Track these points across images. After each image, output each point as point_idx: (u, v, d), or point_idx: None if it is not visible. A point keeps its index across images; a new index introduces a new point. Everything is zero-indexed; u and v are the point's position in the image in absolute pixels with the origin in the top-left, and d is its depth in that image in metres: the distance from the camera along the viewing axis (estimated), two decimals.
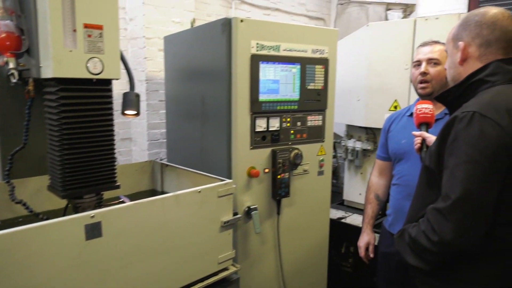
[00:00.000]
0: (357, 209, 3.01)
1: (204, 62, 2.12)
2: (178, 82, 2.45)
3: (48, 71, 1.31)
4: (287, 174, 2.08)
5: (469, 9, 5.84)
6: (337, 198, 3.31)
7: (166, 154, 2.89)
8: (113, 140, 1.51)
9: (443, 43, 1.83)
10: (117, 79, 1.45)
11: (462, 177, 1.02)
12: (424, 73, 1.77)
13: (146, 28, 2.97)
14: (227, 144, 1.99)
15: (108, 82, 1.45)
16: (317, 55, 2.17)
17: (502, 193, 1.04)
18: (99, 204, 1.53)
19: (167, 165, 2.09)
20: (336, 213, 2.98)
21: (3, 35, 1.36)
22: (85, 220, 1.23)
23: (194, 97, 2.22)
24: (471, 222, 1.03)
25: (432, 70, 1.77)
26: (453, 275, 1.14)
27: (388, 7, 3.53)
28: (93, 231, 1.25)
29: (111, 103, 1.49)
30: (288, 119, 2.10)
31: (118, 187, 1.55)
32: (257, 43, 1.92)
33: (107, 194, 1.58)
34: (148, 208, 1.41)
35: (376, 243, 2.12)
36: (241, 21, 1.86)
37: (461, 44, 1.23)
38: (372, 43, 2.70)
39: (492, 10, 1.19)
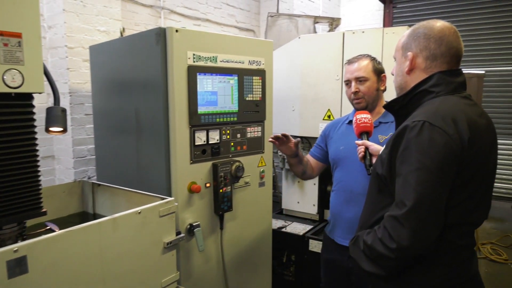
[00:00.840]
0: (296, 218, 3.05)
1: (136, 73, 2.01)
2: (107, 94, 2.29)
3: None
4: (229, 187, 2.04)
5: (385, 25, 6.37)
6: (276, 208, 3.33)
7: (96, 172, 2.68)
8: (37, 161, 1.35)
9: (368, 56, 1.93)
10: (40, 92, 1.30)
11: (415, 184, 1.06)
12: (355, 92, 1.85)
13: (68, 36, 2.75)
14: (166, 159, 1.89)
15: (29, 96, 1.30)
16: (254, 66, 2.16)
17: (450, 197, 1.10)
18: (22, 234, 1.35)
19: (99, 184, 1.93)
20: (276, 223, 2.99)
21: None
22: (6, 255, 1.07)
23: (126, 111, 2.09)
24: (426, 227, 1.07)
25: (362, 87, 1.86)
26: (407, 278, 1.18)
27: (316, 20, 3.68)
28: (17, 267, 1.08)
29: (33, 120, 1.33)
30: (228, 131, 2.07)
31: (44, 213, 1.38)
32: (194, 54, 1.87)
33: (30, 222, 1.40)
34: (82, 235, 1.27)
35: (319, 250, 2.14)
36: (176, 31, 1.79)
37: (409, 54, 1.27)
38: (304, 55, 2.78)
39: (439, 24, 1.24)
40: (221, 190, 2.00)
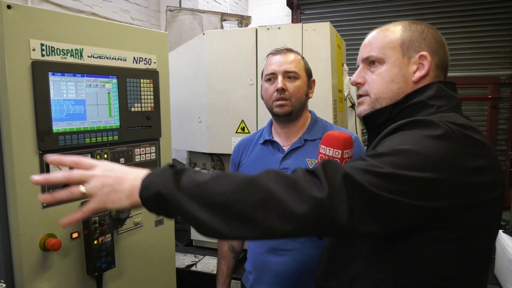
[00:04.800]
0: (209, 249, 2.53)
1: None
2: None
3: None
4: (108, 236, 1.43)
5: (293, 21, 6.23)
6: (182, 237, 2.76)
7: None
8: None
9: (297, 52, 1.51)
10: None
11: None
12: (282, 89, 1.40)
13: None
14: (0, 203, 1.23)
15: None
16: (141, 66, 1.60)
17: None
18: None
19: None
20: (183, 259, 2.43)
21: None
22: None
23: None
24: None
25: (291, 85, 1.42)
26: None
27: (224, 17, 3.23)
28: None
29: None
30: (106, 156, 1.46)
31: None
32: (42, 45, 1.24)
33: None
34: None
35: None
36: (9, 7, 1.15)
37: (425, 54, 0.92)
38: (211, 55, 2.29)
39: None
40: (96, 242, 1.39)
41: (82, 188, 0.75)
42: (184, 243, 2.68)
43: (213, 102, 2.28)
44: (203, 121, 2.32)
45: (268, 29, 2.20)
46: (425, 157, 0.73)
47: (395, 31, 0.96)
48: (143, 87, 1.59)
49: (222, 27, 3.26)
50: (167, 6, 3.34)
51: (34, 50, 1.22)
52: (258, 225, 0.69)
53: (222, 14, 3.25)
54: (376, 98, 0.96)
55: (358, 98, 1.03)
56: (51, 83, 1.27)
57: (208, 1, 5.05)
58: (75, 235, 1.37)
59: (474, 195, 0.76)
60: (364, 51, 0.99)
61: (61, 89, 1.30)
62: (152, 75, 1.64)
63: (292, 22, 6.33)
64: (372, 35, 0.99)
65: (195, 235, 2.61)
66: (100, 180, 0.76)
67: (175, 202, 0.72)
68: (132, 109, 1.55)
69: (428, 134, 0.76)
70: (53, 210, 1.31)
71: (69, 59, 1.33)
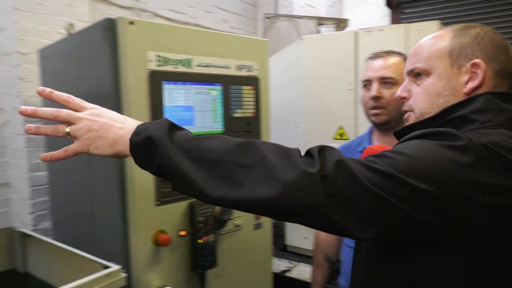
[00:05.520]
0: (304, 257, 2.51)
1: (83, 82, 1.49)
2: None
3: None
4: (211, 236, 1.50)
5: (393, 22, 5.91)
6: (278, 242, 2.78)
7: (51, 205, 2.15)
8: None
9: (400, 54, 1.42)
10: None
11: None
12: (376, 98, 1.33)
13: (20, 40, 2.25)
14: (121, 199, 1.37)
15: None
16: (244, 73, 1.65)
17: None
18: None
19: (29, 235, 1.40)
20: (278, 264, 2.44)
21: None
22: None
23: None
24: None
25: (387, 92, 1.34)
26: None
27: (320, 22, 3.19)
28: None
29: None
30: None
31: None
32: (158, 56, 1.35)
33: None
34: None
35: None
36: (131, 23, 1.28)
37: (479, 62, 0.80)
38: (309, 60, 2.27)
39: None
40: (200, 241, 1.47)
41: (67, 129, 0.75)
42: (279, 248, 2.70)
43: (311, 107, 2.27)
44: (300, 126, 2.32)
45: (369, 31, 2.11)
46: (425, 166, 0.66)
47: (444, 37, 0.85)
48: (245, 93, 1.64)
49: (318, 31, 3.23)
50: (264, 13, 3.42)
51: (151, 61, 1.34)
52: (241, 187, 0.66)
53: (319, 18, 3.21)
54: (421, 114, 0.86)
55: (404, 115, 0.93)
56: (165, 91, 1.37)
57: (303, 6, 5.06)
58: (182, 233, 1.46)
59: (486, 216, 0.67)
60: (409, 62, 0.89)
61: (173, 96, 1.41)
62: (253, 81, 1.68)
63: (392, 23, 6.02)
64: (418, 44, 0.89)
65: (290, 240, 2.61)
66: (85, 124, 0.75)
67: (163, 149, 0.69)
68: (235, 115, 1.61)
69: (442, 144, 0.68)
70: (165, 208, 1.41)
71: (180, 69, 1.43)
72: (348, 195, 0.64)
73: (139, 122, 0.78)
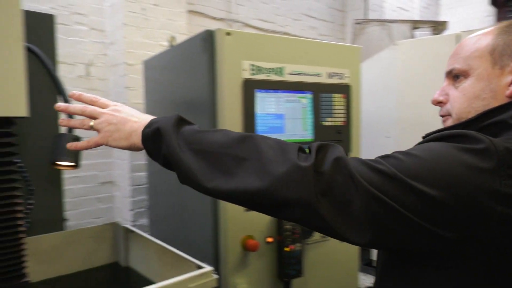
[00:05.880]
0: None
1: (182, 90, 1.60)
2: (157, 116, 1.92)
3: None
4: (298, 245, 1.49)
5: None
6: (363, 256, 2.67)
7: (148, 204, 2.33)
8: (18, 211, 0.96)
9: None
10: (21, 117, 0.92)
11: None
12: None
13: (127, 52, 2.50)
14: (212, 203, 1.43)
15: (8, 122, 0.92)
16: (335, 80, 1.62)
17: None
18: None
19: (132, 231, 1.53)
20: (364, 279, 2.34)
21: None
22: None
23: None
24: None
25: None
26: None
27: (415, 25, 3.01)
28: None
29: (13, 154, 0.95)
30: None
31: (24, 285, 0.98)
32: (252, 65, 1.39)
33: None
34: None
35: None
36: (228, 34, 1.34)
37: None
38: (402, 66, 2.15)
39: None
40: (287, 249, 1.47)
41: (91, 122, 0.81)
42: (364, 262, 2.59)
43: (404, 117, 2.14)
44: (391, 137, 2.20)
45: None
46: (434, 169, 0.60)
47: (487, 35, 0.75)
48: (336, 101, 1.61)
49: (413, 36, 3.05)
50: (354, 19, 3.33)
51: (245, 70, 1.38)
52: (233, 178, 0.66)
53: (414, 22, 3.04)
54: (458, 119, 0.78)
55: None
56: (257, 99, 1.40)
57: (395, 9, 4.83)
58: (269, 239, 1.48)
59: (501, 229, 0.59)
60: (449, 63, 0.81)
61: (265, 104, 1.43)
62: (345, 89, 1.64)
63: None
64: (460, 43, 0.81)
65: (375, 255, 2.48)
66: (106, 118, 0.81)
67: (168, 140, 0.71)
68: (325, 123, 1.58)
69: (459, 146, 0.61)
70: (253, 213, 1.44)
71: (272, 77, 1.45)
72: (343, 194, 0.60)
73: (154, 117, 0.82)
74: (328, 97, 1.59)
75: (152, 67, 1.98)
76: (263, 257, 1.48)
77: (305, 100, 1.53)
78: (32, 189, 1.18)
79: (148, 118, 0.81)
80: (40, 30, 1.35)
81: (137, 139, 0.78)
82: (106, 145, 0.82)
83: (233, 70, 1.36)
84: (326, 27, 4.35)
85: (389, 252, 0.75)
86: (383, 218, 0.60)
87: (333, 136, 1.61)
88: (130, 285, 1.55)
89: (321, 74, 1.58)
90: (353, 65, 1.69)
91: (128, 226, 1.56)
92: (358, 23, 3.09)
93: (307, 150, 0.68)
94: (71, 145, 0.88)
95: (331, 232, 0.63)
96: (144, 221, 2.70)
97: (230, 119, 1.37)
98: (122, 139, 0.80)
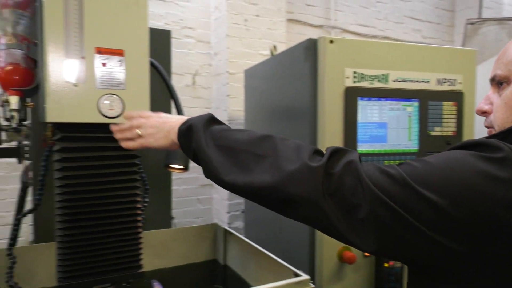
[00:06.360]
0: None
1: (283, 98, 1.63)
2: (257, 123, 1.99)
3: (46, 113, 0.93)
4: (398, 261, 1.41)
5: None
6: None
7: (244, 207, 2.42)
8: (137, 208, 1.08)
9: None
10: None
11: None
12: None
13: (230, 62, 2.63)
14: None
15: None
16: (445, 87, 1.50)
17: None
18: None
19: (231, 232, 1.60)
20: None
21: (8, 67, 1.04)
22: None
23: None
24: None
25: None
26: None
27: None
28: None
29: (136, 156, 1.06)
30: None
31: (141, 274, 1.09)
32: (355, 72, 1.36)
33: None
34: None
35: None
36: (331, 41, 1.33)
37: None
38: None
39: None
40: (386, 264, 1.40)
41: (138, 131, 0.90)
42: None
43: None
44: None
45: None
46: (446, 177, 0.56)
47: None
48: (446, 110, 1.49)
49: None
50: (466, 19, 3.05)
51: (347, 77, 1.36)
52: (250, 173, 0.68)
53: None
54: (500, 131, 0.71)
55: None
56: (359, 107, 1.37)
57: None
58: (367, 253, 1.42)
59: None
60: (492, 69, 0.75)
61: (367, 112, 1.39)
62: (456, 97, 1.51)
63: None
64: (504, 48, 0.74)
65: None
66: (149, 123, 0.90)
67: (197, 135, 0.77)
68: (432, 133, 1.47)
69: (477, 154, 0.57)
70: None
71: (376, 84, 1.40)
72: (350, 196, 0.60)
73: (191, 117, 0.87)
74: (437, 105, 1.48)
75: (253, 75, 2.05)
76: (360, 270, 1.43)
77: (411, 108, 1.44)
78: (147, 188, 1.30)
79: (185, 117, 0.88)
80: (159, 45, 1.50)
81: (174, 136, 0.85)
82: (149, 146, 0.91)
83: (335, 78, 1.35)
84: (431, 28, 4.06)
85: (404, 263, 0.72)
86: (389, 224, 0.58)
87: (442, 147, 1.49)
88: (227, 282, 1.63)
89: (430, 81, 1.47)
90: (467, 70, 1.55)
91: (227, 228, 1.63)
92: (471, 23, 2.81)
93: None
94: (124, 144, 0.95)
95: (336, 234, 0.63)
96: (239, 223, 2.80)
97: (330, 127, 1.36)
98: (162, 138, 0.87)
